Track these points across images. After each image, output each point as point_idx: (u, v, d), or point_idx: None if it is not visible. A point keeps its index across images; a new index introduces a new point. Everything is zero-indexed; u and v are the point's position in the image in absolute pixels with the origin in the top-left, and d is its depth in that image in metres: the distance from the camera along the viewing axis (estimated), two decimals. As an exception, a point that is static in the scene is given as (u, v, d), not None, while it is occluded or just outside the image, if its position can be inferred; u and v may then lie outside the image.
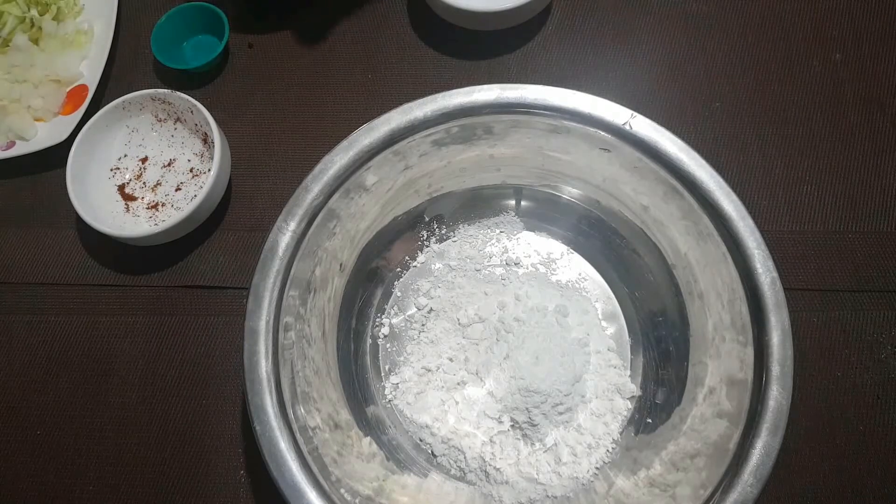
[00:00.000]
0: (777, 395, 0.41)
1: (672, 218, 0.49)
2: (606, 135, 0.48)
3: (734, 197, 0.45)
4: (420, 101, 0.49)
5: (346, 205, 0.50)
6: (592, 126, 0.48)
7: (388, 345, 0.55)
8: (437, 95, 0.49)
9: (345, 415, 0.49)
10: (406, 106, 0.49)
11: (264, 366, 0.43)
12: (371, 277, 0.56)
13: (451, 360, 0.53)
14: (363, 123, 0.49)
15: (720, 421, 0.44)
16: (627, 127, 0.47)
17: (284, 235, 0.46)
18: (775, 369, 0.42)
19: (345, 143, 0.49)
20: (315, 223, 0.48)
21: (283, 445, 0.41)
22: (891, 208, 0.58)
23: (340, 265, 0.52)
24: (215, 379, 0.56)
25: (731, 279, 0.45)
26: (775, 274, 0.44)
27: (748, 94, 0.63)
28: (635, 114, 0.47)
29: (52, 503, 0.54)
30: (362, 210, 0.52)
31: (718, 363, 0.46)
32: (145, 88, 0.60)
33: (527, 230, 0.58)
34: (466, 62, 0.65)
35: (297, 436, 0.42)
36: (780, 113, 0.62)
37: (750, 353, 0.44)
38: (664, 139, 0.47)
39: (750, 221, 0.45)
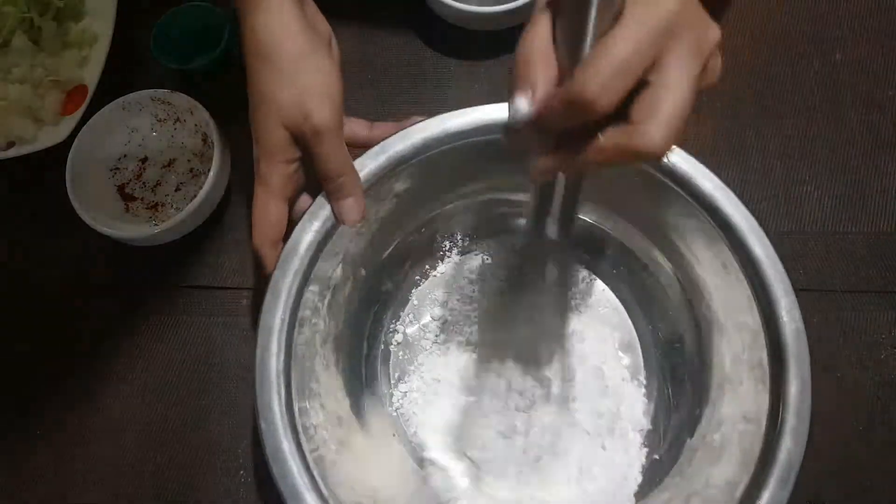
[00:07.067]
0: (790, 448, 0.40)
1: (699, 254, 0.48)
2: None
3: (766, 241, 0.44)
4: (456, 112, 0.47)
5: (373, 210, 0.49)
6: None
7: (400, 352, 0.55)
8: (475, 108, 0.47)
9: (350, 418, 0.49)
10: (442, 116, 0.47)
11: (275, 363, 0.42)
12: (389, 283, 0.56)
13: (460, 372, 0.53)
14: (362, 123, 0.49)
15: (729, 466, 0.43)
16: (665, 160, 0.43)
17: (307, 235, 0.46)
18: (791, 421, 0.40)
19: (377, 147, 0.47)
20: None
21: (286, 445, 0.41)
22: (891, 208, 0.58)
23: (360, 268, 0.52)
24: (215, 379, 0.56)
25: (754, 323, 0.44)
26: (801, 325, 0.42)
27: (748, 94, 0.63)
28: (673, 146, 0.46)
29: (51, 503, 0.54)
30: (388, 215, 0.51)
31: (733, 406, 0.45)
32: (145, 88, 0.60)
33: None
34: (466, 62, 0.65)
35: (301, 435, 0.42)
36: (780, 113, 0.62)
37: (766, 400, 0.42)
38: (699, 175, 0.45)
39: (780, 266, 0.43)
